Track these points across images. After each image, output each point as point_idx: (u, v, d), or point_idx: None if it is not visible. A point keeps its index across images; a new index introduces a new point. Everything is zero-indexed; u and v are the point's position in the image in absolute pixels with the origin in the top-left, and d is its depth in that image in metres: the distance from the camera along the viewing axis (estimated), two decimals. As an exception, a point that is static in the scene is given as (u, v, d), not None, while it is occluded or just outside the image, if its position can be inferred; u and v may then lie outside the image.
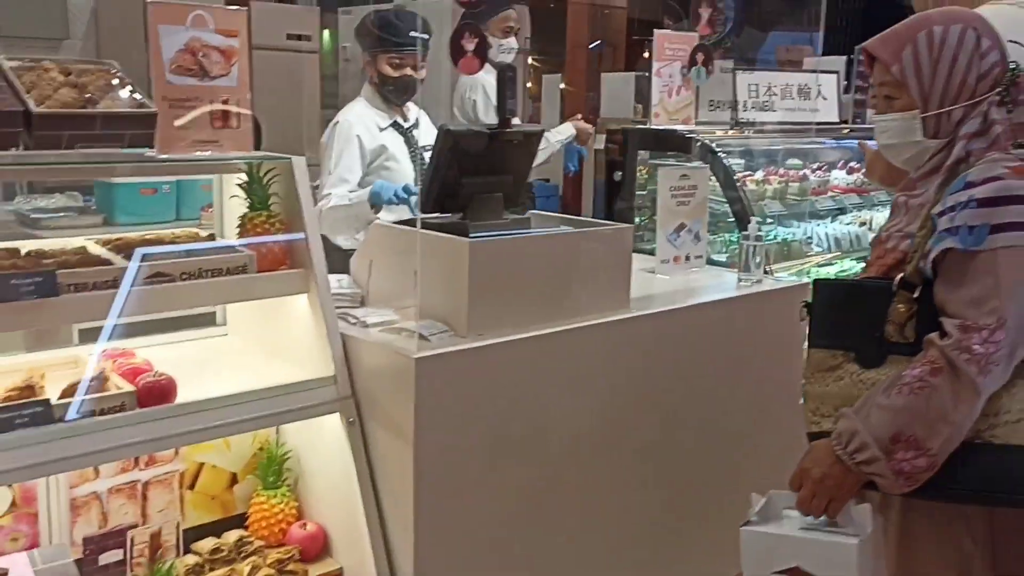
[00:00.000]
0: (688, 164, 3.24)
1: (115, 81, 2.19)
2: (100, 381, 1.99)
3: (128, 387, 1.99)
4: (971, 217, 1.56)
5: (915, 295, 1.63)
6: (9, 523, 2.07)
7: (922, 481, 1.60)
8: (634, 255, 3.32)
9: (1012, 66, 1.69)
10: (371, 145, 2.98)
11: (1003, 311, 1.53)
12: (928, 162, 1.72)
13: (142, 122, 2.12)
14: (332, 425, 2.25)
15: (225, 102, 2.26)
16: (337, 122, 3.07)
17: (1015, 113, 1.67)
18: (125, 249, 2.12)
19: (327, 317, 2.22)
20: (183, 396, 2.08)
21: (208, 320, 2.63)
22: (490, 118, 3.81)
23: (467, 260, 2.18)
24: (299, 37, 6.29)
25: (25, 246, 2.09)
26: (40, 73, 2.11)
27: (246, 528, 2.34)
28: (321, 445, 2.33)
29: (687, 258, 3.13)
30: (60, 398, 1.92)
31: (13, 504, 2.08)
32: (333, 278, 2.54)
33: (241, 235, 2.22)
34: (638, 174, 3.50)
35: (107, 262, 2.03)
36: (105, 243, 2.19)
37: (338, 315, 2.34)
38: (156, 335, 2.53)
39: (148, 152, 2.14)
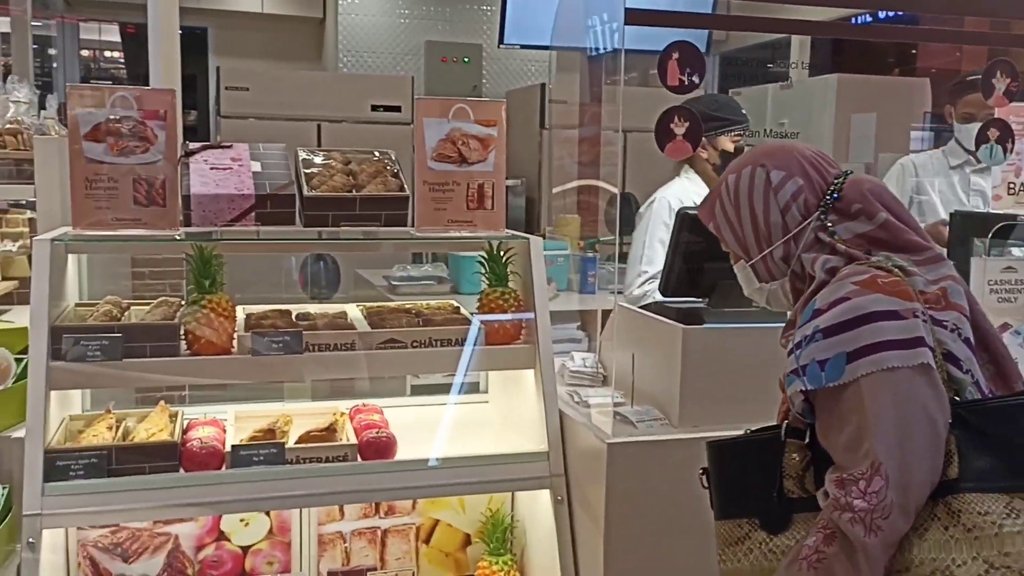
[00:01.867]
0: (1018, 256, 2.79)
1: (386, 168, 2.49)
2: (332, 432, 2.23)
3: (353, 440, 2.21)
4: (818, 351, 1.35)
5: (806, 441, 1.42)
6: (266, 548, 2.38)
7: None
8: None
9: (836, 181, 1.51)
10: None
11: (875, 453, 1.28)
12: (799, 299, 1.51)
13: (396, 204, 2.38)
14: (546, 500, 2.28)
15: (480, 186, 2.45)
16: (654, 199, 3.10)
17: (845, 228, 1.47)
18: (377, 316, 2.37)
19: (546, 394, 2.27)
20: (412, 454, 2.27)
21: (475, 387, 2.82)
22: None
23: (680, 347, 2.11)
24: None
25: (298, 309, 2.43)
26: (327, 162, 2.47)
27: (470, 590, 2.45)
28: (541, 518, 2.37)
29: (1008, 363, 2.69)
30: (297, 443, 2.19)
31: (271, 532, 2.39)
32: (579, 356, 2.60)
33: (479, 309, 2.37)
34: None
35: (351, 327, 2.29)
36: (367, 310, 2.47)
37: (569, 392, 2.40)
38: (424, 396, 2.80)
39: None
